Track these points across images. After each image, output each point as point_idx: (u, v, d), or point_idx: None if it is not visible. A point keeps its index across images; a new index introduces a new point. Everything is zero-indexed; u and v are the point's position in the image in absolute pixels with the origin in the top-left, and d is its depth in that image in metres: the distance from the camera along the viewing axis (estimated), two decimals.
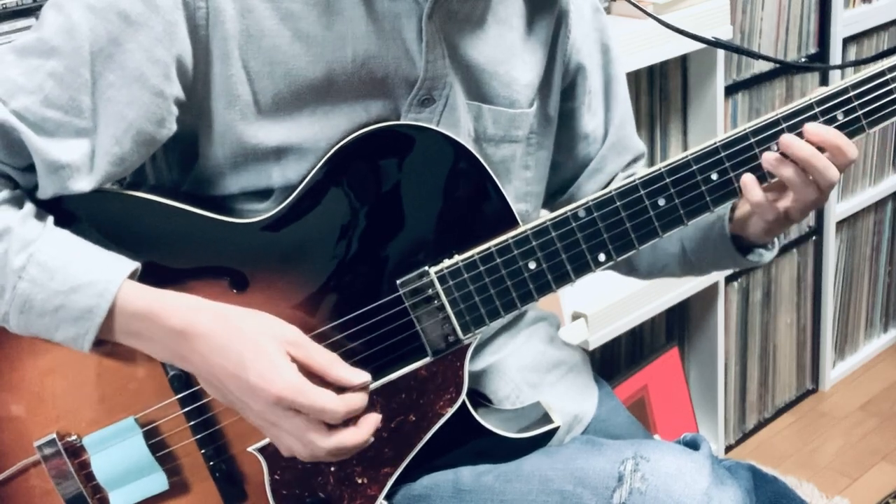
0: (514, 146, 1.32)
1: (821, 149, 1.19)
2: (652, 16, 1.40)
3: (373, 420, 1.15)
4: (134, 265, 1.13)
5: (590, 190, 1.41)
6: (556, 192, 1.45)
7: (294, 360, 1.10)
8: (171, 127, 1.16)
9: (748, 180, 1.20)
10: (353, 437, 1.13)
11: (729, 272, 2.56)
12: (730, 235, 1.30)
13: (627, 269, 1.48)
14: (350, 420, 1.12)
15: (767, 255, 1.33)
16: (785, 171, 1.19)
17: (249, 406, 1.10)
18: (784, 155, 1.19)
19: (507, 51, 1.29)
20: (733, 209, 1.29)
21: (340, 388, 1.12)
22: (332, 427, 1.11)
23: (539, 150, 1.37)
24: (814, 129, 1.19)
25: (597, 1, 1.42)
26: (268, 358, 1.09)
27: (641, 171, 1.22)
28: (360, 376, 1.13)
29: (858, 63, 1.22)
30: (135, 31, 1.11)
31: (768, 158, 1.19)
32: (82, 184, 1.13)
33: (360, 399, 1.13)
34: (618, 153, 1.43)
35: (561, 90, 1.38)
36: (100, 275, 1.11)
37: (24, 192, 1.15)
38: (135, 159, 1.16)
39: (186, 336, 1.10)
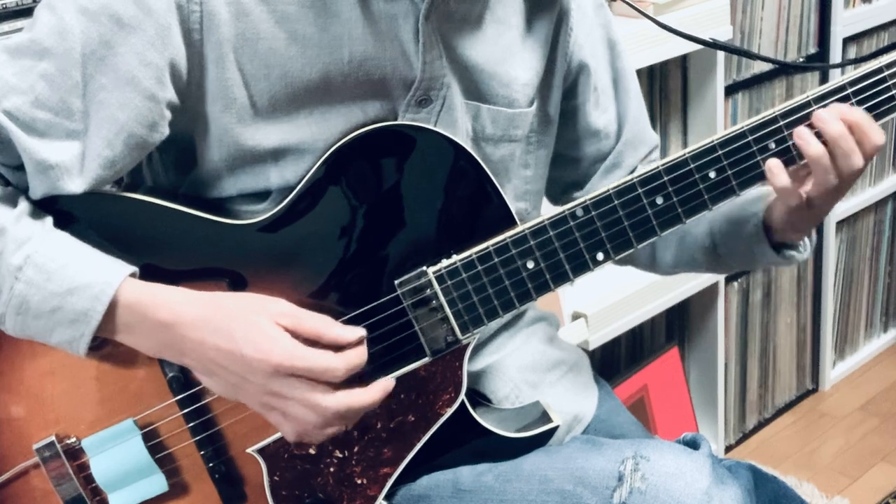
0: (513, 145, 1.32)
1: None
2: (649, 16, 1.40)
3: (382, 384, 1.15)
4: (131, 268, 1.13)
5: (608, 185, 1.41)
6: (570, 187, 1.44)
7: (286, 329, 1.10)
8: (164, 131, 1.16)
9: (773, 164, 1.19)
10: (361, 396, 1.13)
11: None
12: (764, 230, 1.29)
13: (649, 263, 1.47)
14: (355, 381, 1.12)
15: (799, 256, 1.33)
16: (812, 149, 1.19)
17: (250, 382, 1.10)
18: (816, 134, 1.19)
19: (505, 50, 1.29)
20: (767, 209, 1.29)
21: (339, 350, 1.12)
22: (337, 387, 1.11)
23: (539, 148, 1.36)
24: (841, 107, 1.19)
25: None
26: (260, 329, 1.09)
27: (656, 161, 1.21)
28: (355, 332, 1.13)
29: (856, 61, 1.22)
30: (127, 34, 1.11)
31: (801, 132, 1.19)
32: (73, 185, 1.13)
33: (358, 354, 1.13)
34: (634, 148, 1.43)
35: (564, 89, 1.38)
36: (97, 277, 1.11)
37: (18, 191, 1.15)
38: (127, 162, 1.16)
39: (176, 327, 1.10)
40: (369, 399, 1.14)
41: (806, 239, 1.32)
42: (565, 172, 1.44)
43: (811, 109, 1.19)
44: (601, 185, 1.41)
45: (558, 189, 1.45)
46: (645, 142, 1.45)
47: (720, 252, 1.37)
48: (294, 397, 1.10)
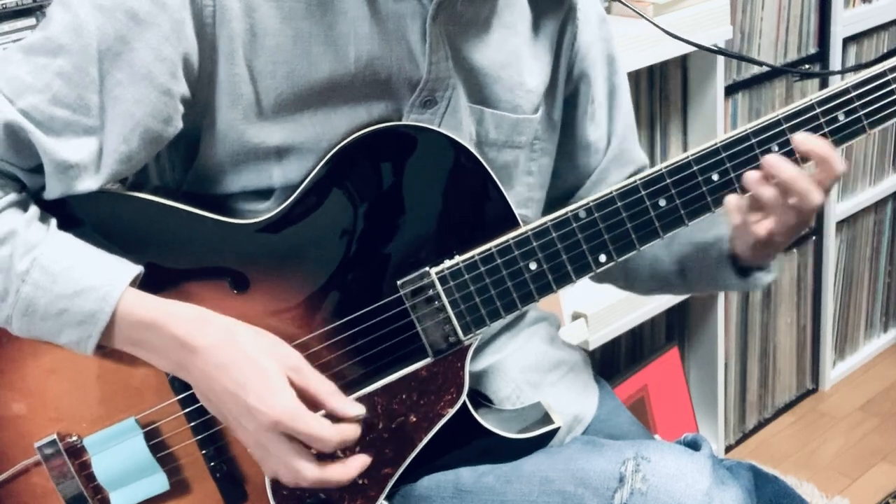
0: (517, 152, 1.32)
1: (806, 159, 1.19)
2: (649, 20, 1.40)
3: (361, 461, 1.16)
4: (137, 269, 1.13)
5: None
6: (558, 199, 1.44)
7: (293, 385, 1.10)
8: (178, 125, 1.16)
9: (731, 201, 1.20)
10: (339, 473, 1.14)
11: None
12: (728, 256, 1.29)
13: (625, 283, 1.48)
14: (337, 454, 1.14)
15: (764, 279, 1.31)
16: (765, 192, 1.19)
17: (243, 426, 1.11)
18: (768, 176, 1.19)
19: (511, 55, 1.29)
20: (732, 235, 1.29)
21: (334, 419, 1.12)
22: (320, 458, 1.12)
23: (542, 156, 1.36)
24: (803, 137, 1.19)
25: (603, 11, 1.41)
26: (268, 380, 1.09)
27: (657, 165, 1.22)
28: (356, 408, 1.14)
29: (859, 67, 1.22)
30: (142, 29, 1.11)
31: (749, 178, 1.19)
32: (89, 183, 1.13)
33: (353, 431, 1.13)
34: (620, 165, 1.43)
35: (564, 97, 1.38)
36: (103, 279, 1.11)
37: (30, 195, 1.15)
38: (141, 157, 1.16)
39: (189, 347, 1.10)
40: (346, 477, 1.14)
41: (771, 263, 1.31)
42: (555, 185, 1.43)
43: (815, 112, 1.20)
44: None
45: (548, 201, 1.44)
46: (632, 160, 1.44)
47: (689, 277, 1.38)
48: (279, 456, 1.11)
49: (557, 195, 1.43)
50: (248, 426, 1.10)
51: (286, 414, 1.08)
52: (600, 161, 1.42)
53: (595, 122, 1.41)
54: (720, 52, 1.46)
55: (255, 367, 1.10)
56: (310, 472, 1.12)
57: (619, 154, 1.43)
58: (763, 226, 1.21)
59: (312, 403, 1.11)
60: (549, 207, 1.44)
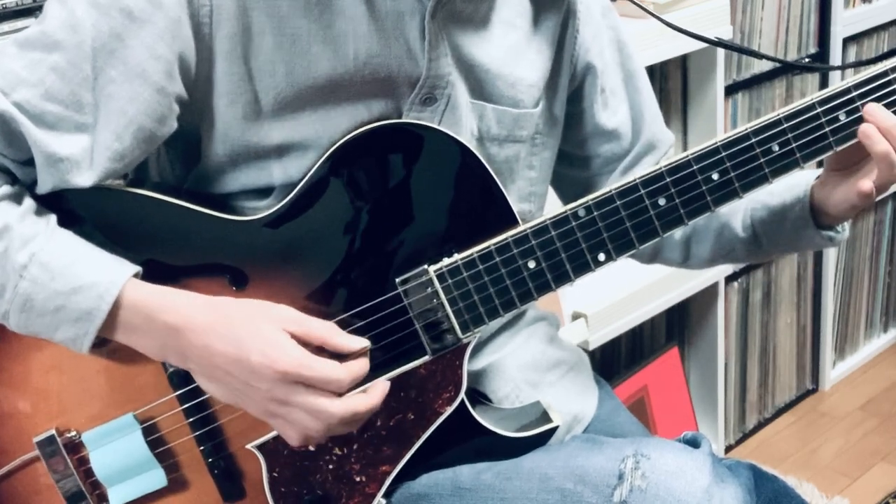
0: (518, 146, 1.32)
1: None
2: (655, 15, 1.40)
3: (380, 387, 1.15)
4: (135, 268, 1.14)
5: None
6: (588, 188, 1.43)
7: (295, 337, 1.10)
8: (172, 124, 1.16)
9: (869, 128, 1.19)
10: (365, 402, 1.13)
11: (729, 272, 2.57)
12: (810, 214, 1.30)
13: (682, 259, 1.47)
14: (355, 388, 1.13)
15: (839, 237, 1.33)
16: (879, 147, 1.19)
17: (255, 389, 1.10)
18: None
19: (511, 51, 1.29)
20: (812, 191, 1.30)
21: (341, 358, 1.12)
22: (339, 394, 1.11)
23: (544, 150, 1.36)
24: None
25: (607, 1, 1.41)
26: (267, 336, 1.09)
27: (660, 161, 1.22)
28: (360, 342, 1.14)
29: (860, 64, 1.22)
30: (137, 27, 1.11)
31: (866, 131, 1.19)
32: (82, 178, 1.13)
33: (361, 365, 1.13)
34: (653, 148, 1.44)
35: (570, 91, 1.38)
36: (102, 276, 1.11)
37: (24, 188, 1.15)
38: (136, 155, 1.16)
39: (182, 331, 1.10)
40: (372, 403, 1.14)
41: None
42: (580, 172, 1.44)
43: (817, 111, 1.19)
44: None
45: (578, 189, 1.43)
46: (662, 141, 1.45)
47: (762, 243, 1.38)
48: (298, 404, 1.10)
49: (587, 182, 1.44)
50: (259, 385, 1.09)
51: (293, 362, 1.08)
52: (628, 147, 1.43)
53: (610, 110, 1.41)
54: (724, 45, 1.45)
55: (251, 327, 1.10)
56: (336, 408, 1.10)
57: (650, 139, 1.44)
58: (866, 182, 1.21)
59: (316, 350, 1.11)
60: (582, 193, 1.43)
